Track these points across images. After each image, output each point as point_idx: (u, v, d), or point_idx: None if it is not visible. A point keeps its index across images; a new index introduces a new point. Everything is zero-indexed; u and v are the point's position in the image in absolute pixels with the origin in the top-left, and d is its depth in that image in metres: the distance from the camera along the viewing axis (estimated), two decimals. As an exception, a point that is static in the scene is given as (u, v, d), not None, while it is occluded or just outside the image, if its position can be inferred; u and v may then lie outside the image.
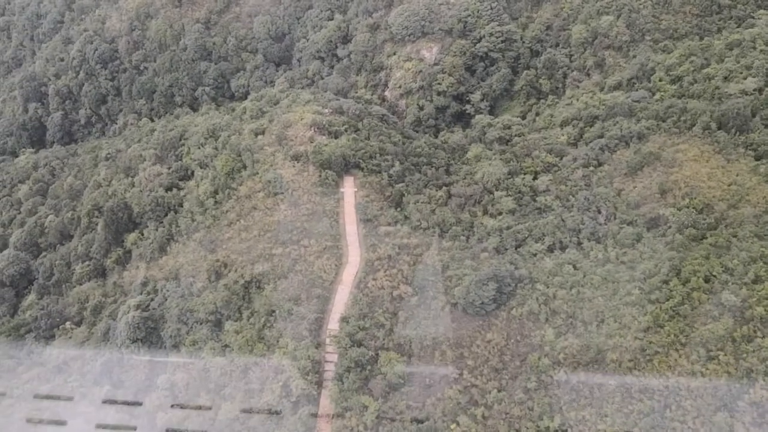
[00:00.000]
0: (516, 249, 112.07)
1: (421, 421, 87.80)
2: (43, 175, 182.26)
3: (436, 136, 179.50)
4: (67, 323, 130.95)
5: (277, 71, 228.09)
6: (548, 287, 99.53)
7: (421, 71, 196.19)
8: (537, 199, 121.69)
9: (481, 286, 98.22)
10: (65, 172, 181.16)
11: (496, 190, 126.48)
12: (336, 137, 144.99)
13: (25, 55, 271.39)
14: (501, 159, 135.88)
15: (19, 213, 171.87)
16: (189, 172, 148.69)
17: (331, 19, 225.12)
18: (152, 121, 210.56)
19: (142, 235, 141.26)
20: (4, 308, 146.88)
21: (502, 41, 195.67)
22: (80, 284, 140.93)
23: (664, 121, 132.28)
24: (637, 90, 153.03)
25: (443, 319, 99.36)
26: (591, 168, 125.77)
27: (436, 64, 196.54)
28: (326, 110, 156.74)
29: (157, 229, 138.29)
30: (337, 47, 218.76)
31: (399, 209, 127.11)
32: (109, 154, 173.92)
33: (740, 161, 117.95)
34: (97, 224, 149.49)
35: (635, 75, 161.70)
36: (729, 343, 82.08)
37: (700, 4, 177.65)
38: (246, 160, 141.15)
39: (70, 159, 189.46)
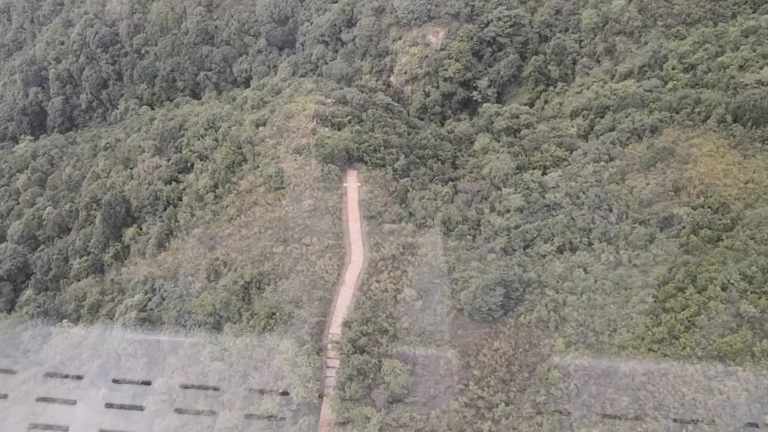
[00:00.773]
0: (524, 250, 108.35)
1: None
2: (41, 164, 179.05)
3: (443, 124, 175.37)
4: (64, 321, 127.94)
5: (280, 55, 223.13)
6: (558, 293, 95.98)
7: (427, 56, 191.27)
8: (546, 195, 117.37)
9: (488, 292, 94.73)
10: (64, 162, 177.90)
11: (504, 186, 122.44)
12: (339, 129, 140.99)
13: (25, 38, 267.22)
14: (509, 152, 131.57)
15: (18, 203, 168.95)
16: (188, 165, 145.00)
17: (336, 2, 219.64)
18: (153, 108, 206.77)
19: (141, 230, 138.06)
20: (2, 303, 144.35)
21: (510, 26, 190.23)
22: (78, 280, 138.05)
23: (677, 113, 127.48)
24: (649, 79, 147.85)
25: (449, 325, 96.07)
26: (602, 163, 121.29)
27: (442, 50, 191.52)
28: (329, 100, 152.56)
29: (155, 224, 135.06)
30: (341, 31, 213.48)
31: (404, 205, 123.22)
32: (108, 143, 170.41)
33: (757, 157, 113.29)
34: (95, 217, 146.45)
35: (647, 63, 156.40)
36: (748, 357, 78.44)
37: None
38: (247, 153, 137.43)
39: (69, 148, 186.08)
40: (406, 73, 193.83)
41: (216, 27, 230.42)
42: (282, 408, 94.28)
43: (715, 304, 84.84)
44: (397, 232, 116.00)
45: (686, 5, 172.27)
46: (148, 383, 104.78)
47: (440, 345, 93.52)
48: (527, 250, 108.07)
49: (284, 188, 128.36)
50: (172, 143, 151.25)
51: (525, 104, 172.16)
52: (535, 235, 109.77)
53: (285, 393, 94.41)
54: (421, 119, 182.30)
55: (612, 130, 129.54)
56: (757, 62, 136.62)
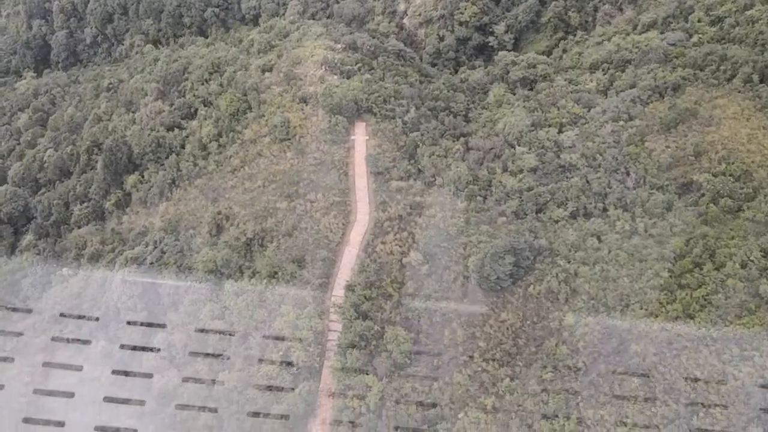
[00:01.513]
0: (536, 214, 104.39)
1: (427, 407, 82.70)
2: (43, 103, 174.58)
3: (456, 71, 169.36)
4: (65, 270, 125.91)
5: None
6: (570, 263, 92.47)
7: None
8: (561, 156, 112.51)
9: (497, 260, 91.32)
10: (66, 101, 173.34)
11: (518, 145, 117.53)
12: (348, 77, 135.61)
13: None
14: (524, 107, 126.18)
15: (18, 144, 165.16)
16: (192, 111, 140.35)
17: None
18: (159, 45, 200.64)
19: (143, 177, 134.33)
20: (2, 247, 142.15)
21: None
22: (78, 227, 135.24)
23: (701, 70, 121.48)
24: (673, 31, 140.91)
25: (455, 292, 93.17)
26: (621, 123, 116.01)
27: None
28: (339, 45, 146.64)
29: (157, 172, 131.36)
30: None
31: (413, 162, 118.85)
32: (111, 84, 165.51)
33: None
34: (96, 162, 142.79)
35: (671, 13, 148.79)
36: (766, 341, 75.31)
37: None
38: (252, 100, 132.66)
39: (72, 87, 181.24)
40: (420, 15, 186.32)
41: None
42: (282, 372, 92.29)
43: (734, 282, 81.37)
44: (404, 190, 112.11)
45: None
46: (151, 349, 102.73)
47: (445, 314, 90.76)
48: (539, 215, 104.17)
49: (290, 139, 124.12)
50: (176, 87, 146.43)
51: (543, 52, 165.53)
52: (548, 199, 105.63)
53: (286, 357, 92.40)
54: (434, 65, 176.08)
55: (633, 86, 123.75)
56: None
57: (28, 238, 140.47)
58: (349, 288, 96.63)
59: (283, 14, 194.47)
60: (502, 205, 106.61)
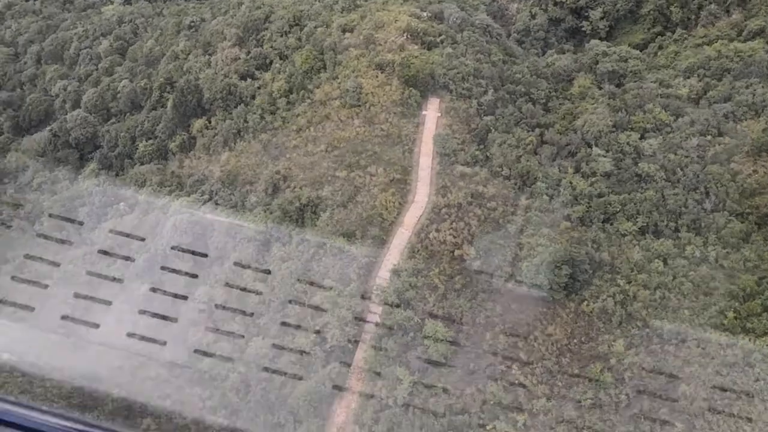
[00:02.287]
0: (603, 224, 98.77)
1: (455, 412, 79.56)
2: (125, 32, 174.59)
3: (544, 53, 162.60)
4: (122, 204, 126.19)
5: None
6: (630, 283, 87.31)
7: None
8: (639, 164, 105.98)
9: (553, 269, 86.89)
10: (147, 34, 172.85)
11: (595, 145, 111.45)
12: (429, 48, 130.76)
13: None
14: (608, 105, 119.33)
15: (96, 70, 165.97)
16: (267, 62, 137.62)
17: None
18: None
19: (209, 123, 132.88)
20: (66, 171, 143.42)
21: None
22: (141, 163, 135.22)
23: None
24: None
25: (503, 296, 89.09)
26: (708, 137, 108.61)
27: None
28: (424, 14, 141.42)
29: (224, 120, 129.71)
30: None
31: (482, 147, 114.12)
32: (192, 22, 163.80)
33: None
34: (167, 100, 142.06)
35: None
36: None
37: None
38: (327, 60, 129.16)
39: (155, 19, 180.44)
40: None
41: None
42: (315, 347, 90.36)
43: (804, 337, 75.51)
44: (468, 176, 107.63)
45: None
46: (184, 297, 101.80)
47: (490, 317, 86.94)
48: (606, 225, 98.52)
49: (360, 106, 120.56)
50: (255, 35, 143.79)
51: (637, 45, 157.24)
52: (617, 209, 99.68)
53: (319, 332, 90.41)
54: (521, 43, 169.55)
55: (728, 99, 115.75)
56: None
57: (91, 166, 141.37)
58: (395, 272, 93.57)
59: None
60: (569, 208, 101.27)
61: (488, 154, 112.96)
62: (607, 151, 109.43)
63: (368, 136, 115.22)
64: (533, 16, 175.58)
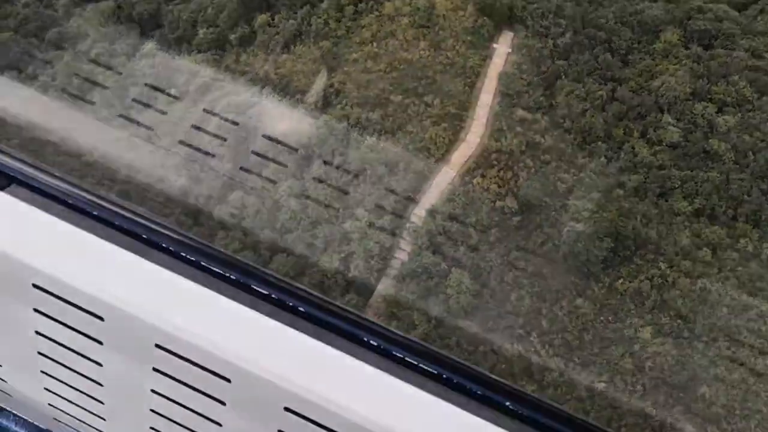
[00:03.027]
0: (657, 197, 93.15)
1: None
2: None
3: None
4: (172, 90, 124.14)
5: None
6: (671, 269, 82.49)
7: None
8: (710, 140, 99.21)
9: (595, 240, 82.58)
10: None
11: (668, 111, 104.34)
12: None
13: None
14: (691, 69, 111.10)
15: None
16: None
17: None
18: None
19: (273, 20, 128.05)
20: (125, 46, 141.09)
21: None
22: (199, 51, 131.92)
23: None
24: None
25: (537, 257, 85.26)
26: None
27: None
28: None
29: (288, 20, 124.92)
30: None
31: (548, 93, 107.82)
32: None
33: None
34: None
35: None
36: None
37: None
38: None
39: None
40: None
41: None
42: (336, 274, 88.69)
43: None
44: (528, 123, 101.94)
45: None
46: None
47: (518, 277, 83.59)
48: (660, 200, 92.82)
49: (428, 27, 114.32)
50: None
51: (737, 4, 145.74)
52: (676, 186, 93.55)
53: (344, 261, 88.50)
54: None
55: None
56: None
57: (149, 45, 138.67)
58: (431, 213, 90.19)
59: None
60: (625, 175, 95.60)
61: (553, 102, 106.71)
62: (678, 120, 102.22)
63: (431, 62, 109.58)
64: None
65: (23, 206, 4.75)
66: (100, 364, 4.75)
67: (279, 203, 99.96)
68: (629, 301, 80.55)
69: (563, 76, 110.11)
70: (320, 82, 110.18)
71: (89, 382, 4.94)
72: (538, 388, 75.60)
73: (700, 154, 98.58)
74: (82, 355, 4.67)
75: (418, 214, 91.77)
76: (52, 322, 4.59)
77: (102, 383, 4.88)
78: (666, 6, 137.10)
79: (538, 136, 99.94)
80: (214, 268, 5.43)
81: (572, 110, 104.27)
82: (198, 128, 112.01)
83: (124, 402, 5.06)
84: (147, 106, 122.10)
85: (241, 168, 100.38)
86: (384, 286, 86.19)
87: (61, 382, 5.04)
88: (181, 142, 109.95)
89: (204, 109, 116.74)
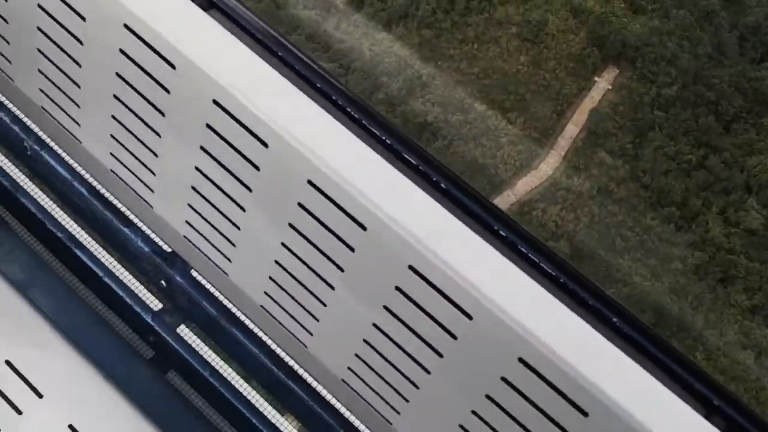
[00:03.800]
0: (716, 282, 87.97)
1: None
2: None
3: (761, 61, 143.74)
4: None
5: None
6: (707, 361, 76.91)
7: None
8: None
9: (636, 310, 78.74)
10: None
11: (755, 194, 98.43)
12: (635, 12, 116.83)
13: None
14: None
15: None
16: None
17: None
18: None
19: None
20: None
21: None
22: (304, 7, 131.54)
23: None
24: None
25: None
26: None
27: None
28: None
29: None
30: None
31: (637, 142, 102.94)
32: None
33: None
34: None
35: None
36: None
37: None
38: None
39: None
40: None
41: None
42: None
43: None
44: (606, 167, 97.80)
45: None
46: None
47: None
48: (717, 285, 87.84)
49: (534, 43, 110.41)
50: None
51: None
52: (740, 275, 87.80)
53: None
54: (743, 40, 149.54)
55: None
56: None
57: None
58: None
59: None
60: (690, 250, 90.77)
61: (639, 153, 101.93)
62: (764, 207, 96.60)
63: (527, 79, 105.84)
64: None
65: (221, 30, 3.99)
66: (250, 190, 4.23)
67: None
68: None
69: (657, 129, 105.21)
70: (408, 71, 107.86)
71: (236, 207, 4.31)
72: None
73: None
74: (238, 179, 4.14)
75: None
76: (219, 139, 4.05)
77: (245, 208, 4.30)
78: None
79: (612, 184, 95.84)
80: None
81: (656, 167, 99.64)
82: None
83: (262, 233, 4.38)
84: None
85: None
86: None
87: (208, 201, 4.35)
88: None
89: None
